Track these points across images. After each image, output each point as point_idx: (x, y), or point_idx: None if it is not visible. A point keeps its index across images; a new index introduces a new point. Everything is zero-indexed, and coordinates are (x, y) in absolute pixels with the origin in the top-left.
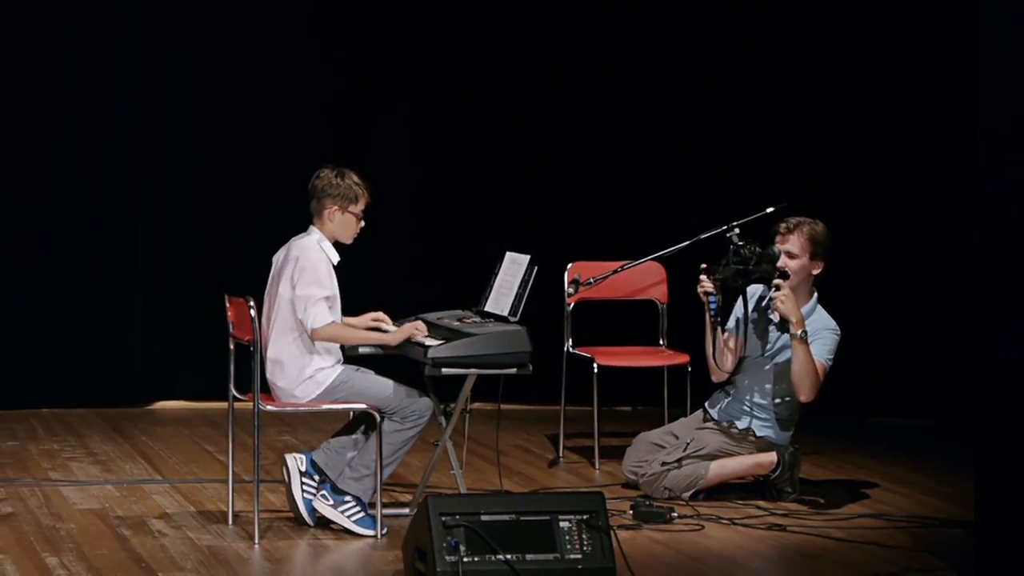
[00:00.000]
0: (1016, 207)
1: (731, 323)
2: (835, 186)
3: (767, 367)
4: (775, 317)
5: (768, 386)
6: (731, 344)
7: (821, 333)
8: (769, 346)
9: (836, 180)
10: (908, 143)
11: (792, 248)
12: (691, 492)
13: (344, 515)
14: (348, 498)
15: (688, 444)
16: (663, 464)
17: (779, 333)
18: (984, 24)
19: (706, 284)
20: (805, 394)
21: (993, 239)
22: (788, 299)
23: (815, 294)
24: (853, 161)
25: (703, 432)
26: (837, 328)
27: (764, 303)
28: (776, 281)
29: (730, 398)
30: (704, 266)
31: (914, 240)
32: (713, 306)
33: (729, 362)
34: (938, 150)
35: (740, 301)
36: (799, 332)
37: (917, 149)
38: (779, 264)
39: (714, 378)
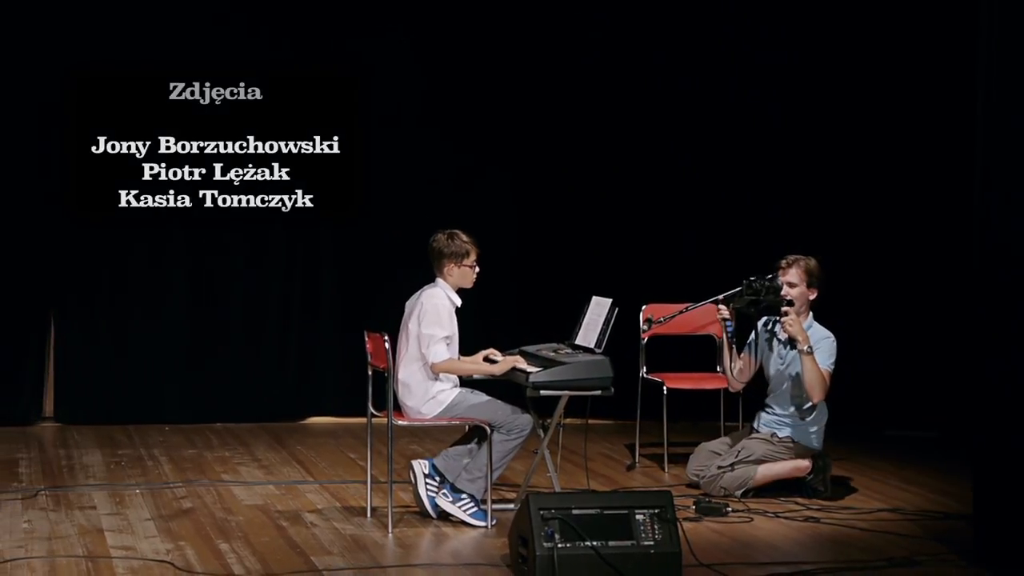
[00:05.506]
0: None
1: (746, 349)
2: (848, 224)
3: (785, 385)
4: (782, 336)
5: (792, 400)
6: (744, 359)
7: (821, 343)
8: (782, 362)
9: (849, 218)
10: (911, 171)
11: (792, 279)
12: (742, 491)
13: (461, 510)
14: (464, 496)
15: (740, 451)
16: (719, 468)
17: (788, 350)
18: (982, 63)
19: (723, 312)
20: (816, 396)
21: (986, 276)
22: (795, 323)
23: (811, 313)
24: (862, 200)
25: (752, 441)
26: (832, 336)
27: (771, 326)
28: (784, 308)
29: (767, 412)
30: (720, 298)
31: (918, 283)
32: (729, 330)
33: (741, 374)
34: (938, 181)
35: (754, 332)
36: (805, 348)
37: (919, 180)
38: (782, 293)
39: (730, 388)
